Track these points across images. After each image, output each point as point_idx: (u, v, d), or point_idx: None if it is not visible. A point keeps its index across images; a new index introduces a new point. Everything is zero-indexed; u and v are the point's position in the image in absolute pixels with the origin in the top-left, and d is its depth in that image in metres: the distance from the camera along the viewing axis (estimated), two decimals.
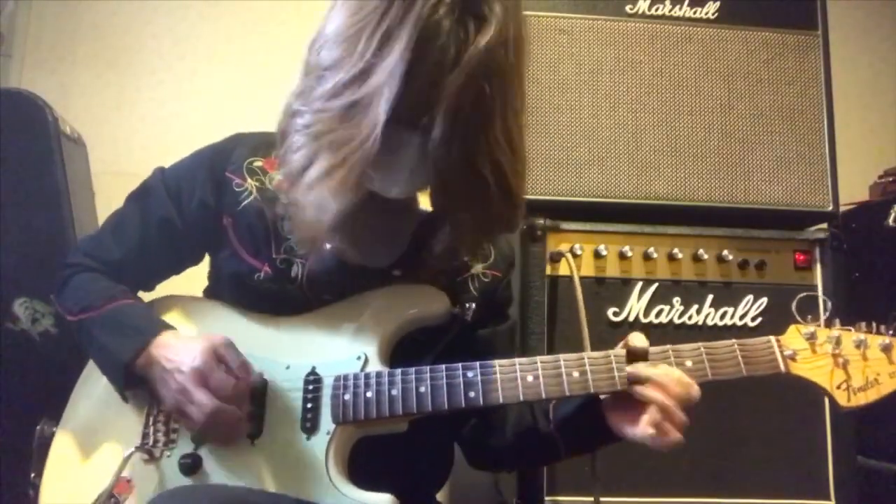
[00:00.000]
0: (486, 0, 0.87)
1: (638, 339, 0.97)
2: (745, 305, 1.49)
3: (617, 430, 0.98)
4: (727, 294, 1.50)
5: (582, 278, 1.44)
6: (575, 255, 1.47)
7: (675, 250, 1.50)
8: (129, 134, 2.10)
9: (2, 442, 1.39)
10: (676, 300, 1.49)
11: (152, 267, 1.17)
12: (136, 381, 1.02)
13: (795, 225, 1.57)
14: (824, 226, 1.57)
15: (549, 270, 1.48)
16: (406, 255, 1.07)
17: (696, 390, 0.95)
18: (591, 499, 1.33)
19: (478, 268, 1.13)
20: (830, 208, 1.56)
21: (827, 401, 1.45)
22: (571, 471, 1.41)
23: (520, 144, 0.95)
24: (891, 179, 1.98)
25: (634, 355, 0.96)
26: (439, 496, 1.21)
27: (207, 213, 1.09)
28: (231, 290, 1.10)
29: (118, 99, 2.16)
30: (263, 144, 1.08)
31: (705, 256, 1.50)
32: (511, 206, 0.97)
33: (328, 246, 1.03)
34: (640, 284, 1.49)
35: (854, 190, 1.94)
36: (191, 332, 1.08)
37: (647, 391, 0.94)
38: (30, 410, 1.36)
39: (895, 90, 2.41)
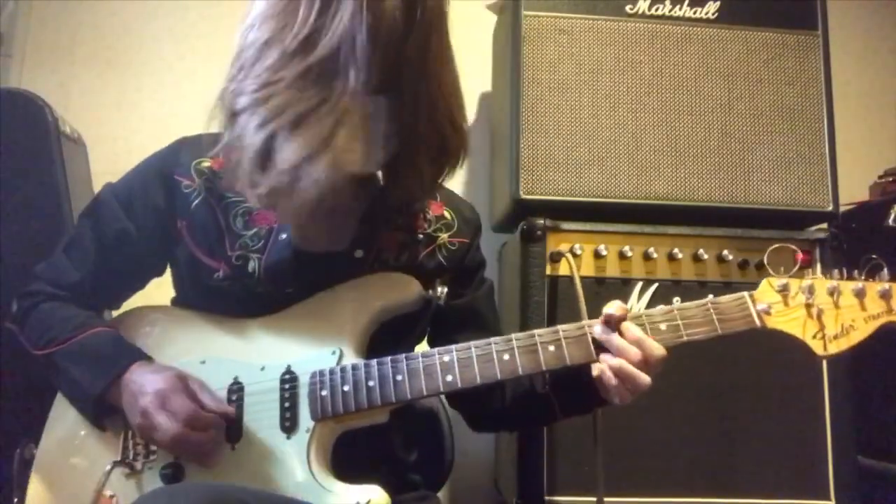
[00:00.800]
0: None
1: (614, 307, 0.99)
2: None
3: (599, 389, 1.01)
4: (727, 294, 1.49)
5: (582, 278, 1.44)
6: (575, 255, 1.47)
7: (675, 250, 1.50)
8: (129, 134, 2.10)
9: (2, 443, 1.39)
10: (676, 300, 1.48)
11: (114, 283, 1.14)
12: (108, 412, 1.01)
13: (795, 225, 1.57)
14: (824, 226, 1.57)
15: (549, 270, 1.48)
16: (362, 234, 1.06)
17: (654, 349, 0.95)
18: (593, 499, 1.33)
19: (443, 237, 1.13)
20: (830, 208, 1.56)
21: (827, 401, 1.46)
22: (571, 471, 1.41)
23: (458, 81, 1.00)
24: (891, 179, 1.98)
25: (611, 322, 0.98)
26: (439, 495, 1.20)
27: (161, 218, 1.08)
28: (194, 293, 1.09)
29: (118, 99, 2.15)
30: (209, 144, 1.05)
31: (705, 256, 1.50)
32: (461, 140, 1.01)
33: (283, 236, 1.03)
34: (640, 284, 1.48)
35: (854, 190, 1.94)
36: (158, 342, 1.07)
37: (605, 358, 0.97)
38: (29, 411, 1.36)
39: (895, 90, 2.41)
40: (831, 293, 0.94)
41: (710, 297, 0.99)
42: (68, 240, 1.15)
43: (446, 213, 1.15)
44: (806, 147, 1.58)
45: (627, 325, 0.97)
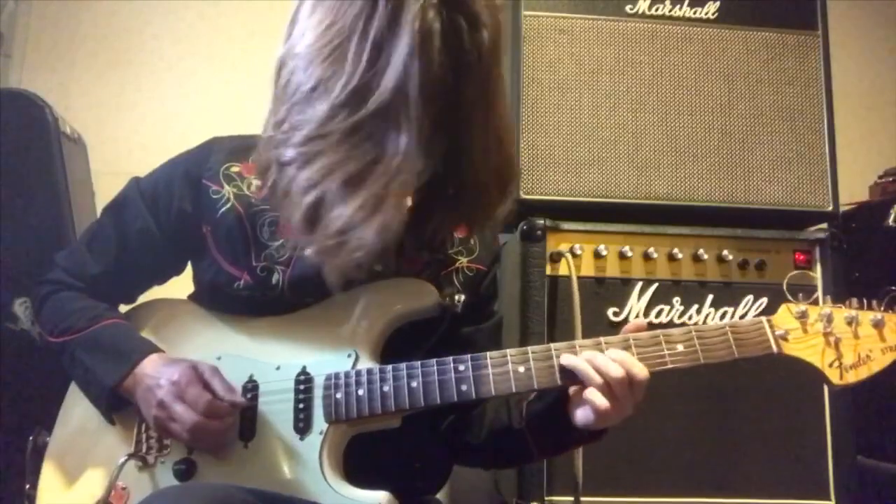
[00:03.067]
0: None
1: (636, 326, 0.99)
2: (745, 305, 1.49)
3: (574, 421, 0.98)
4: (727, 294, 1.50)
5: (582, 278, 1.44)
6: (575, 255, 1.46)
7: (675, 250, 1.50)
8: (129, 134, 2.10)
9: (2, 443, 1.39)
10: (676, 300, 1.49)
11: (132, 279, 1.15)
12: (120, 404, 1.02)
13: (795, 225, 1.57)
14: (824, 226, 1.57)
15: (549, 270, 1.48)
16: (385, 251, 1.06)
17: (614, 371, 0.92)
18: (594, 499, 1.33)
19: (462, 261, 1.12)
20: (830, 208, 1.56)
21: (827, 401, 1.46)
22: (572, 471, 1.41)
23: (511, 137, 1.00)
24: (891, 179, 1.98)
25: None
26: (439, 496, 1.20)
27: (186, 221, 1.07)
28: (212, 296, 1.09)
29: (118, 99, 2.15)
30: (239, 149, 1.06)
31: (705, 256, 1.50)
32: (504, 199, 1.00)
33: (308, 251, 1.03)
34: (640, 284, 1.49)
35: (854, 190, 1.94)
36: (175, 337, 1.07)
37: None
38: (30, 411, 1.36)
39: (895, 90, 2.41)
40: (849, 322, 0.94)
41: (725, 323, 0.98)
42: (90, 232, 1.15)
43: (470, 238, 1.14)
44: (806, 147, 1.58)
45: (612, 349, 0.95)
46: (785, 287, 1.01)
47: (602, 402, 0.91)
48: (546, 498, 1.41)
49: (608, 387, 0.91)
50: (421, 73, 0.82)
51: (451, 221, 1.02)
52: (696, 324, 1.48)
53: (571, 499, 1.40)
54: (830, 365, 0.94)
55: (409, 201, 1.01)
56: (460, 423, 1.14)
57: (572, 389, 0.98)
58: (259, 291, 1.04)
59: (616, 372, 0.91)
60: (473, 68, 0.87)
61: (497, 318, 1.20)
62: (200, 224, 1.07)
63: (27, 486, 1.09)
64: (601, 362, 0.92)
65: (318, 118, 0.85)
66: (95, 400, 1.03)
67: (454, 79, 0.85)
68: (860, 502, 1.45)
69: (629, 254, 1.49)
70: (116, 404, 1.02)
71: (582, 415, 0.96)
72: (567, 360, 0.95)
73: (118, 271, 1.11)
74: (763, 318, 0.97)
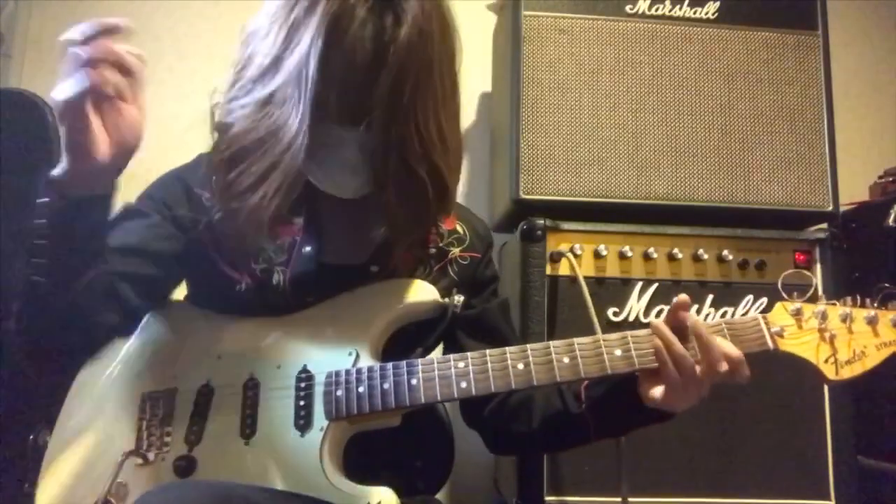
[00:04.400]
0: None
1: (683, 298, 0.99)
2: (745, 305, 1.49)
3: (647, 400, 0.98)
4: (727, 294, 1.50)
5: (582, 278, 1.44)
6: (575, 255, 1.47)
7: (675, 250, 1.50)
8: None
9: (2, 444, 1.39)
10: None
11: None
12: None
13: (795, 225, 1.57)
14: (824, 226, 1.57)
15: (549, 270, 1.48)
16: (378, 251, 1.06)
17: (741, 368, 0.94)
18: (594, 499, 1.33)
19: (455, 252, 1.13)
20: (830, 208, 1.56)
21: (827, 401, 1.46)
22: (572, 471, 1.41)
23: (451, 137, 0.97)
24: (891, 179, 1.98)
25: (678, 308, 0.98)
26: (439, 496, 1.20)
27: (183, 227, 1.07)
28: (210, 300, 1.09)
29: None
30: None
31: (705, 256, 1.50)
32: (445, 201, 0.99)
33: (307, 249, 1.05)
34: (640, 284, 1.49)
35: (854, 190, 1.94)
36: (177, 337, 1.06)
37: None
38: (29, 411, 1.36)
39: (895, 90, 2.41)
40: (844, 319, 0.96)
41: (722, 320, 0.99)
42: None
43: (458, 228, 1.16)
44: (806, 147, 1.58)
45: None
46: (780, 285, 1.02)
47: (677, 378, 0.94)
48: (546, 498, 1.41)
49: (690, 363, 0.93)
50: (321, 54, 0.86)
51: (395, 220, 1.00)
52: None
53: (572, 499, 1.40)
54: (826, 361, 0.95)
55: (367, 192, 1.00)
56: (502, 413, 1.13)
57: (643, 373, 0.99)
58: (260, 293, 1.04)
59: (717, 354, 0.93)
60: (392, 64, 0.87)
61: (502, 299, 1.20)
62: (198, 232, 1.07)
63: (26, 486, 1.09)
64: (707, 341, 0.93)
65: (241, 89, 0.93)
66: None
67: (369, 72, 0.87)
68: (860, 502, 1.45)
69: (629, 254, 1.49)
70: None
71: (659, 392, 0.97)
72: (658, 328, 0.96)
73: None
74: (759, 315, 0.99)
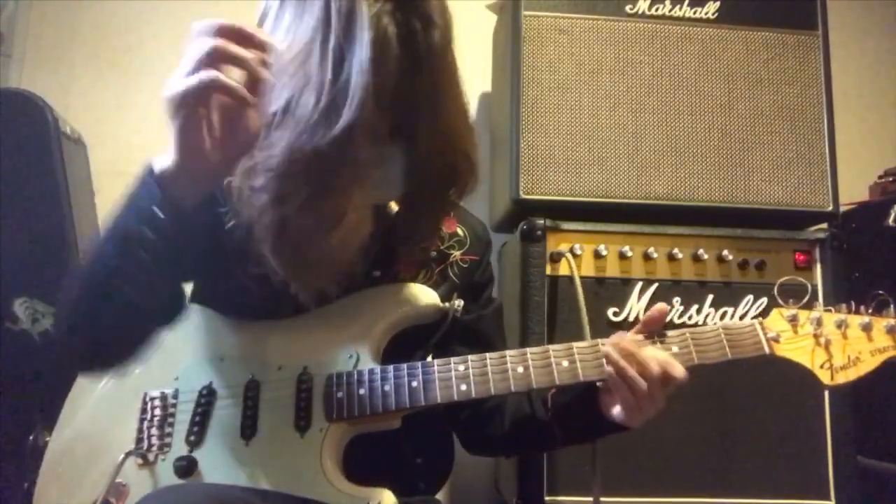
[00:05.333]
0: None
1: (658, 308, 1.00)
2: (745, 305, 1.49)
3: (607, 413, 1.01)
4: (727, 294, 1.50)
5: (582, 278, 1.44)
6: (575, 255, 1.47)
7: (675, 250, 1.50)
8: (130, 134, 2.10)
9: (1, 443, 1.39)
10: (676, 300, 1.49)
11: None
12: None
13: (795, 225, 1.57)
14: (824, 226, 1.57)
15: (549, 270, 1.48)
16: (379, 255, 1.06)
17: (673, 370, 0.95)
18: (591, 499, 1.33)
19: (455, 255, 1.14)
20: (830, 208, 1.56)
21: (827, 401, 1.46)
22: (571, 471, 1.41)
23: (465, 106, 0.99)
24: (891, 179, 1.98)
25: (652, 321, 1.00)
26: (439, 496, 1.21)
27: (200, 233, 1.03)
28: (219, 304, 1.08)
29: (118, 99, 2.15)
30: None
31: (705, 256, 1.50)
32: (470, 167, 1.00)
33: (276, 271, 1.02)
34: (640, 284, 1.49)
35: (854, 190, 1.94)
36: (180, 338, 1.06)
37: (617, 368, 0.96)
38: (29, 411, 1.36)
39: (895, 90, 2.41)
40: (839, 325, 0.97)
41: (719, 325, 1.00)
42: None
43: (459, 231, 1.16)
44: (806, 147, 1.58)
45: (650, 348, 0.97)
46: (776, 292, 1.04)
47: (631, 399, 0.95)
48: (546, 498, 1.41)
49: (643, 385, 0.94)
50: (380, 84, 0.82)
51: (409, 222, 1.02)
52: (695, 324, 1.48)
53: (572, 499, 1.40)
54: (821, 366, 0.97)
55: (394, 206, 1.03)
56: (478, 416, 1.15)
57: (601, 383, 1.00)
58: (274, 301, 1.03)
59: (655, 370, 0.94)
60: (425, 69, 0.87)
61: (496, 304, 1.21)
62: (214, 235, 1.05)
63: (25, 485, 1.09)
64: (642, 359, 0.95)
65: (291, 139, 0.83)
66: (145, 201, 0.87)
67: (407, 81, 0.86)
68: (860, 502, 1.45)
69: (629, 254, 1.49)
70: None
71: (617, 410, 0.99)
72: (610, 353, 0.96)
73: None
74: (755, 321, 1.00)
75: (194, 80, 0.80)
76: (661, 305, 1.00)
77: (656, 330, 1.00)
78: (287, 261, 0.88)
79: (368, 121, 0.83)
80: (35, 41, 2.17)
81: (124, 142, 2.08)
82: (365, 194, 0.89)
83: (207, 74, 0.80)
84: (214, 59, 0.81)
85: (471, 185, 1.02)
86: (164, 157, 0.86)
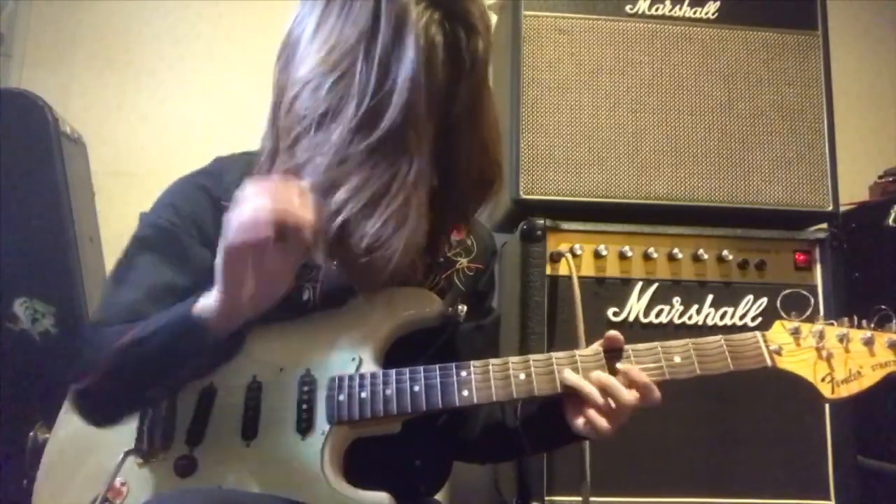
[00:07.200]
0: (467, 5, 0.89)
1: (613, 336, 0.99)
2: (745, 305, 1.49)
3: (571, 423, 0.99)
4: (727, 294, 1.50)
5: (582, 278, 1.44)
6: (575, 255, 1.47)
7: (675, 250, 1.50)
8: (130, 134, 2.10)
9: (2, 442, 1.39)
10: (676, 300, 1.49)
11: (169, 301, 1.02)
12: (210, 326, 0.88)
13: (795, 225, 1.57)
14: (824, 226, 1.57)
15: (549, 270, 1.48)
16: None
17: (627, 397, 0.93)
18: (592, 499, 1.33)
19: (462, 262, 1.14)
20: (830, 208, 1.56)
21: (827, 406, 1.46)
22: (572, 471, 1.41)
23: (499, 140, 1.02)
24: (891, 179, 1.98)
25: (612, 347, 0.99)
26: (439, 496, 1.21)
27: (209, 239, 1.01)
28: None
29: (118, 99, 2.15)
30: (250, 167, 1.02)
31: (705, 256, 1.50)
32: (482, 202, 1.03)
33: (335, 264, 1.01)
34: (640, 284, 1.49)
35: (854, 190, 1.94)
36: None
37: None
38: (29, 411, 1.36)
39: (895, 90, 2.41)
40: (841, 339, 0.98)
41: (721, 336, 1.00)
42: (117, 273, 1.03)
43: (467, 239, 1.16)
44: (806, 147, 1.58)
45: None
46: (778, 304, 1.04)
47: (602, 423, 0.94)
48: (546, 498, 1.41)
49: (614, 408, 0.94)
50: (428, 88, 0.85)
51: (437, 228, 1.01)
52: (695, 323, 1.48)
53: (573, 499, 1.40)
54: (823, 379, 0.97)
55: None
56: (455, 420, 1.15)
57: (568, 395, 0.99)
58: (288, 309, 1.00)
59: (629, 398, 0.93)
60: (469, 75, 0.90)
61: (494, 315, 1.21)
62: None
63: (24, 482, 1.09)
64: (613, 387, 0.93)
65: (335, 144, 0.86)
66: (194, 344, 0.89)
67: (452, 87, 0.89)
68: (860, 502, 1.45)
69: (629, 254, 1.49)
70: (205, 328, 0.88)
71: (580, 424, 0.98)
72: (572, 379, 0.96)
73: (156, 297, 0.99)
74: (758, 333, 1.00)
75: (254, 230, 0.80)
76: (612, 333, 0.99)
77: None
78: (355, 267, 0.89)
79: (415, 125, 0.85)
80: (35, 41, 2.17)
81: (124, 142, 2.08)
82: (423, 199, 0.90)
83: (263, 229, 0.80)
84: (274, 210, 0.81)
85: (497, 193, 1.03)
86: (205, 300, 0.87)
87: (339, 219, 0.86)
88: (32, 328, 1.52)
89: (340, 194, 0.86)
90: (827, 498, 1.43)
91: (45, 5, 2.18)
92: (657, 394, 0.95)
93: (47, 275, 1.58)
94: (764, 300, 1.49)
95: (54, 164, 1.63)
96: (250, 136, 1.05)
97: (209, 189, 1.05)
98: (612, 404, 0.94)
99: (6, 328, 1.53)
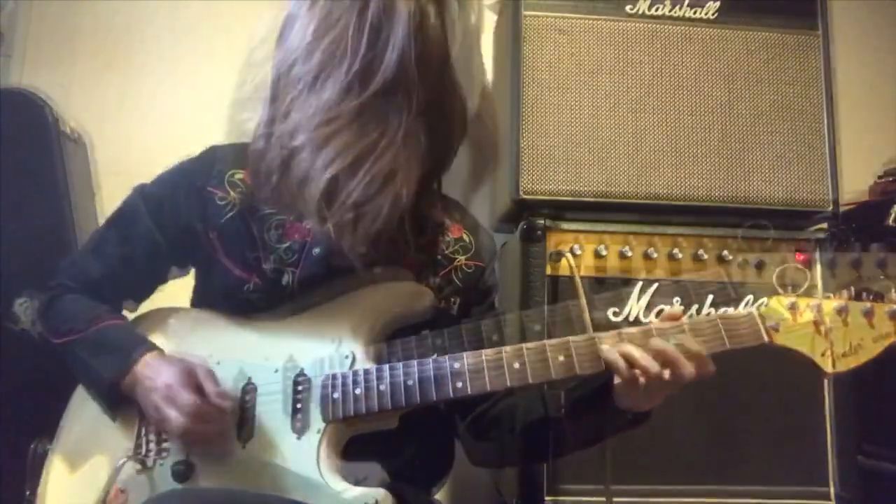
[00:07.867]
0: None
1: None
2: (746, 305, 1.48)
3: (619, 402, 0.99)
4: (727, 294, 1.50)
5: (582, 278, 1.44)
6: (575, 255, 1.47)
7: (675, 250, 1.50)
8: (130, 133, 2.10)
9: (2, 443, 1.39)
10: (676, 300, 1.49)
11: (135, 282, 1.16)
12: (123, 400, 1.03)
13: (795, 224, 1.57)
14: (824, 225, 1.57)
15: (549, 270, 1.48)
16: (384, 254, 1.06)
17: (651, 367, 0.94)
18: (593, 500, 1.33)
19: (461, 259, 1.14)
20: (830, 208, 1.56)
21: (828, 396, 1.46)
22: (572, 471, 1.41)
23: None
24: (891, 179, 1.98)
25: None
26: (439, 496, 1.21)
27: (191, 229, 1.09)
28: (220, 301, 1.09)
29: (119, 98, 2.15)
30: (242, 156, 1.07)
31: (705, 256, 1.50)
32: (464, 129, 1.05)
33: (316, 251, 1.05)
34: (640, 284, 1.49)
35: (854, 190, 1.94)
36: (176, 344, 1.07)
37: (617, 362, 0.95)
38: (29, 411, 1.36)
39: (895, 90, 2.41)
40: (840, 312, 0.95)
41: (716, 314, 0.99)
42: (93, 240, 1.17)
43: (465, 237, 1.16)
44: (806, 147, 1.58)
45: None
46: (774, 280, 1.02)
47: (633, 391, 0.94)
48: (546, 498, 1.41)
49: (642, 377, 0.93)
50: (417, 50, 0.89)
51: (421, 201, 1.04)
52: None
53: (572, 499, 1.40)
54: (822, 354, 0.95)
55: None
56: (487, 421, 1.14)
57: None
58: (269, 293, 1.05)
59: (653, 367, 0.93)
60: (457, 40, 0.93)
61: (496, 312, 1.20)
62: (207, 231, 1.08)
63: (27, 494, 1.10)
64: (639, 357, 0.94)
65: (326, 103, 0.91)
66: (98, 397, 1.04)
67: (444, 58, 0.92)
68: (860, 502, 1.45)
69: (629, 253, 1.49)
70: (117, 400, 1.03)
71: (626, 399, 0.98)
72: (607, 353, 0.96)
73: (122, 274, 1.12)
74: (753, 309, 0.98)
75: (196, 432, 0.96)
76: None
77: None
78: (343, 221, 0.93)
79: (405, 85, 0.89)
80: (35, 40, 2.17)
81: (124, 141, 2.08)
82: (410, 161, 0.93)
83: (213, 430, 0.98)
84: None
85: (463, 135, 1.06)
86: (150, 370, 1.00)
87: (329, 172, 0.91)
88: (32, 328, 1.52)
89: (329, 151, 0.91)
90: (827, 497, 1.44)
91: (45, 5, 2.18)
92: (712, 366, 0.95)
93: (48, 275, 1.57)
94: (764, 300, 1.48)
95: (54, 164, 1.63)
96: (250, 135, 1.06)
97: (193, 181, 1.10)
98: (666, 375, 0.93)
99: (6, 328, 1.53)
